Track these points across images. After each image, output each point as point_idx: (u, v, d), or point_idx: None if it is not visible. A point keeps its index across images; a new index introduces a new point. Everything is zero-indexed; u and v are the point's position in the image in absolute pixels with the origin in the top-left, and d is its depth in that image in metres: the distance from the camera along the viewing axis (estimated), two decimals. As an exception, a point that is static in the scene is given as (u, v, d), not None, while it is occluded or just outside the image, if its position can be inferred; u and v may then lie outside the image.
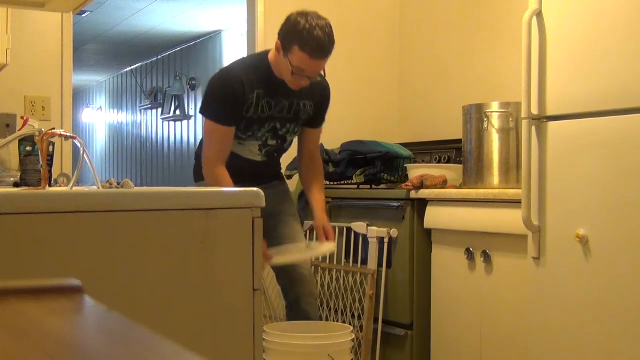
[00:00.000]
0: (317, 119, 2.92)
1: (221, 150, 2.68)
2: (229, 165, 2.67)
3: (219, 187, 2.57)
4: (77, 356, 0.46)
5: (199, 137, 8.15)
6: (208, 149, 2.70)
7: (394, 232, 3.27)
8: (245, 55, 4.23)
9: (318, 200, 2.95)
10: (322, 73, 2.77)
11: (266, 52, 2.77)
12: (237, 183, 2.61)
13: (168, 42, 8.17)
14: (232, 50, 7.43)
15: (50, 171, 1.97)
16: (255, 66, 2.73)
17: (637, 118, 2.25)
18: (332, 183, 3.73)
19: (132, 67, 9.68)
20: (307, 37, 2.58)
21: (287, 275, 2.88)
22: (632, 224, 2.26)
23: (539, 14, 2.56)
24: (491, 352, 2.92)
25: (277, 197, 2.93)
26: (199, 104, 8.64)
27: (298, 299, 2.85)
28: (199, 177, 2.87)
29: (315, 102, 2.85)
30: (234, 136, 2.71)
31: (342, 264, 3.52)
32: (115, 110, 10.64)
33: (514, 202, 2.70)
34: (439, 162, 3.80)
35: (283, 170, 3.28)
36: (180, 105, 8.43)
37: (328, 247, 2.85)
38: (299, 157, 3.01)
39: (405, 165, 3.61)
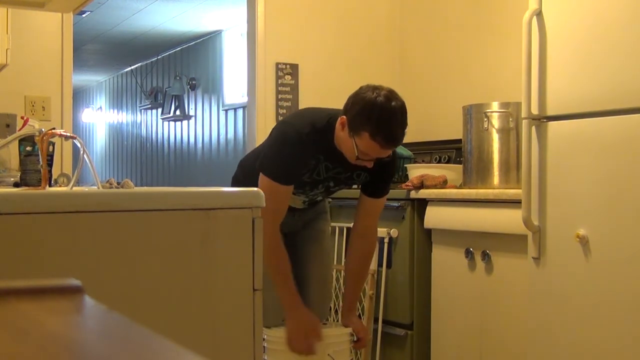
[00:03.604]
0: (374, 188, 2.60)
1: (278, 210, 2.45)
2: None
3: (271, 255, 2.45)
4: (77, 356, 0.46)
5: (199, 137, 8.16)
6: (264, 207, 2.54)
7: (394, 232, 3.27)
8: (246, 53, 4.24)
9: (354, 291, 2.72)
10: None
11: (335, 117, 2.45)
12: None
13: (168, 42, 8.17)
14: (232, 50, 7.43)
15: (50, 171, 1.97)
16: (323, 131, 2.45)
17: (637, 118, 2.25)
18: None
19: (132, 67, 9.69)
20: (381, 126, 2.28)
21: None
22: (632, 224, 2.26)
23: (539, 14, 2.56)
24: (491, 352, 2.91)
25: (309, 213, 2.79)
26: (199, 105, 8.59)
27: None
28: (236, 182, 2.75)
29: (372, 173, 2.52)
30: None
31: (342, 264, 3.52)
32: (115, 110, 10.64)
33: (514, 202, 2.70)
34: (439, 162, 3.80)
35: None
36: (180, 105, 8.43)
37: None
38: (352, 228, 2.72)
39: (405, 165, 3.61)
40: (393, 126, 2.31)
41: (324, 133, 2.45)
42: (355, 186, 2.78)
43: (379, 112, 2.29)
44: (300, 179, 2.51)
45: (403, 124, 2.34)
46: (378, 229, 3.25)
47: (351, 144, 2.35)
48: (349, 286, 2.75)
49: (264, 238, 2.47)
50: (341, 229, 3.51)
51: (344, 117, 2.38)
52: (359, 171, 2.54)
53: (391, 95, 2.33)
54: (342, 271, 3.44)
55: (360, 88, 2.40)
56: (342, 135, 2.39)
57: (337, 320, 3.23)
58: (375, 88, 2.35)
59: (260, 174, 2.44)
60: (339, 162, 2.49)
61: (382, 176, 2.56)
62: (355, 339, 2.67)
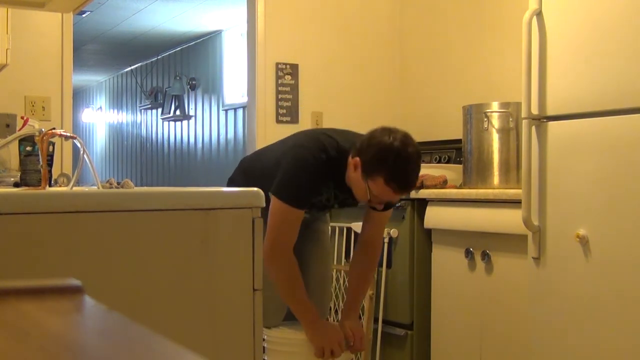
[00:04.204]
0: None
1: (293, 236, 2.46)
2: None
3: (287, 280, 2.48)
4: (77, 356, 0.46)
5: (199, 137, 8.16)
6: (279, 233, 2.43)
7: (394, 232, 3.27)
8: (246, 53, 4.24)
9: (355, 295, 2.71)
10: None
11: (343, 148, 2.45)
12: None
13: (168, 42, 8.18)
14: (232, 50, 7.43)
15: (50, 171, 1.97)
16: (334, 159, 2.44)
17: (637, 118, 2.25)
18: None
19: (132, 67, 9.69)
20: (396, 172, 2.27)
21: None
22: (632, 224, 2.26)
23: (539, 14, 2.56)
24: (491, 352, 2.91)
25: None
26: (199, 105, 8.57)
27: None
28: (233, 184, 2.73)
29: None
30: None
31: (342, 264, 3.52)
32: (115, 110, 10.64)
33: (514, 202, 2.70)
34: (439, 162, 3.80)
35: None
36: (180, 105, 8.44)
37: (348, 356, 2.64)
38: (359, 237, 2.72)
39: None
40: (408, 173, 2.29)
41: (335, 161, 2.44)
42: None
43: (394, 158, 2.27)
44: (312, 201, 2.52)
45: (417, 170, 2.33)
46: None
47: (364, 187, 2.34)
48: (350, 291, 2.75)
49: (280, 266, 2.48)
50: (341, 229, 3.51)
51: (357, 158, 2.35)
52: None
53: (407, 140, 2.30)
54: (342, 271, 3.45)
55: (375, 130, 2.37)
56: (354, 177, 2.38)
57: (337, 321, 3.23)
58: (391, 131, 2.32)
59: (273, 198, 2.41)
60: (347, 190, 2.48)
61: None
62: (351, 342, 2.66)
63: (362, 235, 2.69)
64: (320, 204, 2.56)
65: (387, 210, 2.62)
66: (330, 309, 3.49)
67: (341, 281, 3.45)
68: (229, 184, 2.78)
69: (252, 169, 2.74)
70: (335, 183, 2.50)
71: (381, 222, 2.66)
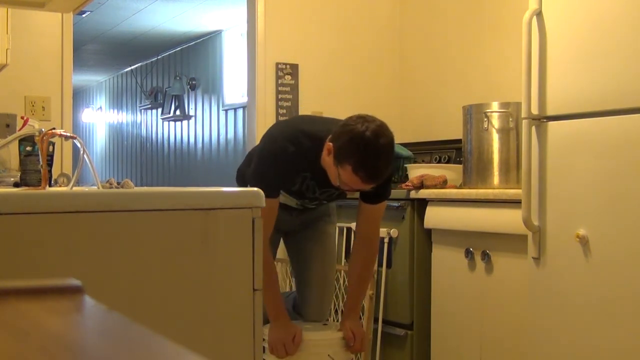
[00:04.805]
0: (370, 196, 2.55)
1: (267, 226, 2.42)
2: None
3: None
4: (77, 356, 0.46)
5: (199, 137, 8.16)
6: None
7: (394, 232, 3.27)
8: (246, 53, 4.24)
9: (355, 295, 2.73)
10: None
11: (326, 134, 2.41)
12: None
13: (168, 42, 8.17)
14: (232, 50, 7.43)
15: (50, 171, 1.97)
16: (311, 148, 2.42)
17: (637, 118, 2.25)
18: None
19: (132, 67, 9.68)
20: (364, 161, 2.24)
21: (301, 292, 2.85)
22: (632, 224, 2.25)
23: (539, 14, 2.56)
24: (491, 352, 2.91)
25: (312, 214, 2.79)
26: (199, 105, 8.57)
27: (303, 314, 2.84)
28: (240, 174, 2.80)
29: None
30: None
31: (342, 264, 3.52)
32: (115, 110, 10.64)
33: (514, 202, 2.70)
34: (439, 162, 3.80)
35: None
36: (180, 105, 8.43)
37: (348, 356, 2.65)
38: (355, 234, 2.72)
39: (405, 165, 3.61)
40: (377, 164, 2.27)
41: (313, 151, 2.42)
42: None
43: (364, 148, 2.24)
44: (287, 189, 2.53)
45: (387, 162, 2.30)
46: (378, 229, 3.25)
47: (335, 172, 2.34)
48: (350, 291, 2.77)
49: None
50: (341, 229, 3.51)
51: (331, 144, 2.34)
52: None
53: (380, 130, 2.27)
54: (342, 271, 3.45)
55: (350, 118, 2.35)
56: (327, 161, 2.38)
57: (338, 321, 3.23)
58: (366, 120, 2.29)
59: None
60: (327, 184, 2.47)
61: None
62: (351, 343, 2.67)
63: (358, 232, 2.69)
64: (299, 192, 2.55)
65: (380, 204, 2.61)
66: (330, 309, 3.49)
67: (341, 281, 3.45)
68: (238, 174, 2.85)
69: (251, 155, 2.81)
70: (312, 174, 2.49)
71: (375, 217, 2.64)
